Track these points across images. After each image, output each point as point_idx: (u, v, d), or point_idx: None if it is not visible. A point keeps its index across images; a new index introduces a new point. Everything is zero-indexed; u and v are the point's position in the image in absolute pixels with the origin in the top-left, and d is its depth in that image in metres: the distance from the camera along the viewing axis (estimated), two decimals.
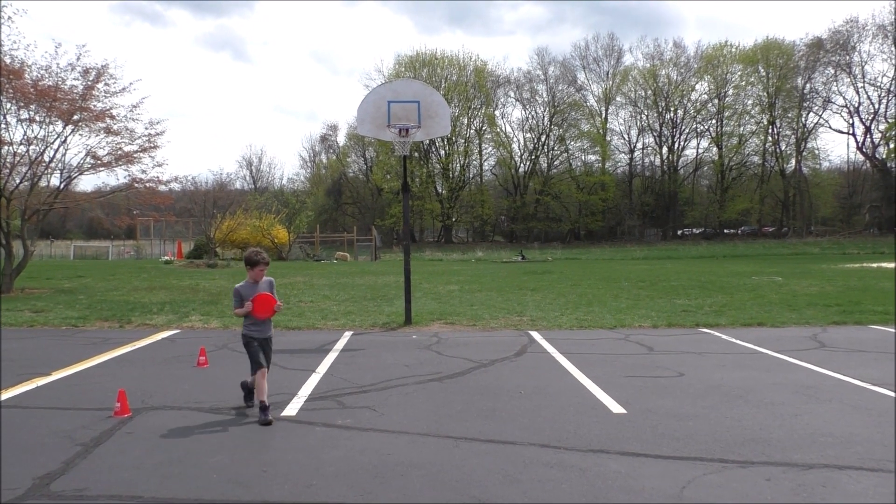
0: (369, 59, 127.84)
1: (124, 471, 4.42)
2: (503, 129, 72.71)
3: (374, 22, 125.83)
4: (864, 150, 63.04)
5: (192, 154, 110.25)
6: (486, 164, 73.90)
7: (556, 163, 72.72)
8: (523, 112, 76.25)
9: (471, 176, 73.49)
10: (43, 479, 4.26)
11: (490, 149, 72.96)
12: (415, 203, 63.53)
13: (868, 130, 61.58)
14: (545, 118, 70.72)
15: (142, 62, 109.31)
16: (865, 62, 59.96)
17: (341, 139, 78.87)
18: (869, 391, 6.68)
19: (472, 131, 71.00)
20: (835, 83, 62.51)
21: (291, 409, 5.98)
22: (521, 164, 72.97)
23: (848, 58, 60.27)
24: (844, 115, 63.47)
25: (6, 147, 16.31)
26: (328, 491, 4.09)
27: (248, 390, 6.04)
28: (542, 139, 71.30)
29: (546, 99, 70.68)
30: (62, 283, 19.12)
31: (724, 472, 4.39)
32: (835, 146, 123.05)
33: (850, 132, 63.96)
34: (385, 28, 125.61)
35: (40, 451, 4.83)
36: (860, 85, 60.94)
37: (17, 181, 16.57)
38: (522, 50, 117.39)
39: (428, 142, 65.18)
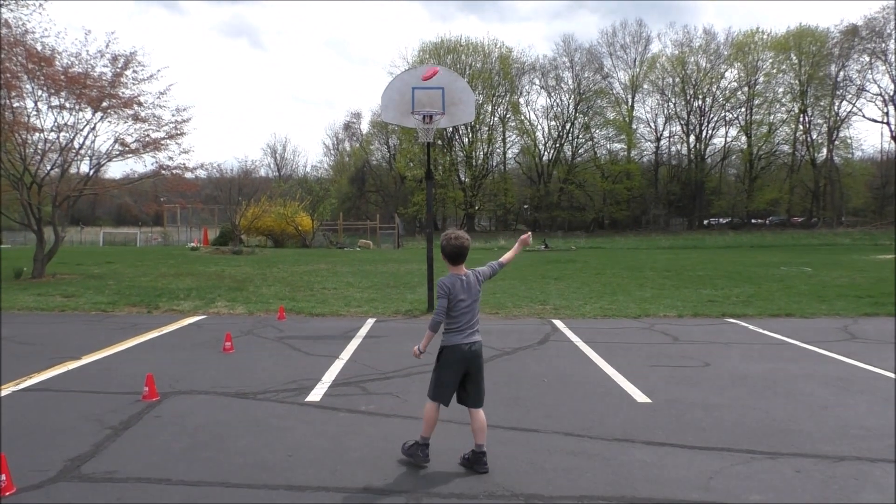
0: (383, 47, 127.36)
1: (153, 454, 4.49)
2: (527, 116, 72.24)
3: (386, 8, 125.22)
4: None
5: (217, 141, 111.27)
6: (509, 152, 73.57)
7: (581, 151, 72.09)
8: (548, 99, 76.01)
9: (494, 164, 73.14)
10: (74, 462, 4.33)
11: (514, 137, 72.55)
12: (438, 191, 63.46)
13: None
14: (570, 106, 70.10)
15: (161, 49, 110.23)
16: None
17: (364, 127, 79.05)
18: (894, 381, 6.54)
19: (495, 119, 70.63)
20: (869, 71, 61.10)
21: (315, 395, 6.02)
22: (546, 153, 72.49)
23: (884, 45, 58.74)
24: (879, 103, 62.01)
25: (37, 134, 16.58)
26: (352, 476, 4.11)
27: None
28: (567, 127, 70.70)
29: (571, 86, 70.06)
30: (92, 268, 19.44)
31: (752, 464, 4.32)
32: (868, 135, 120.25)
33: (885, 121, 62.47)
34: (398, 15, 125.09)
35: (71, 434, 4.92)
36: None
37: (48, 168, 16.85)
38: (538, 37, 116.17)
39: (451, 129, 65.05)
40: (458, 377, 4.27)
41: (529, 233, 4.68)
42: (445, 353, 4.26)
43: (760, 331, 9.71)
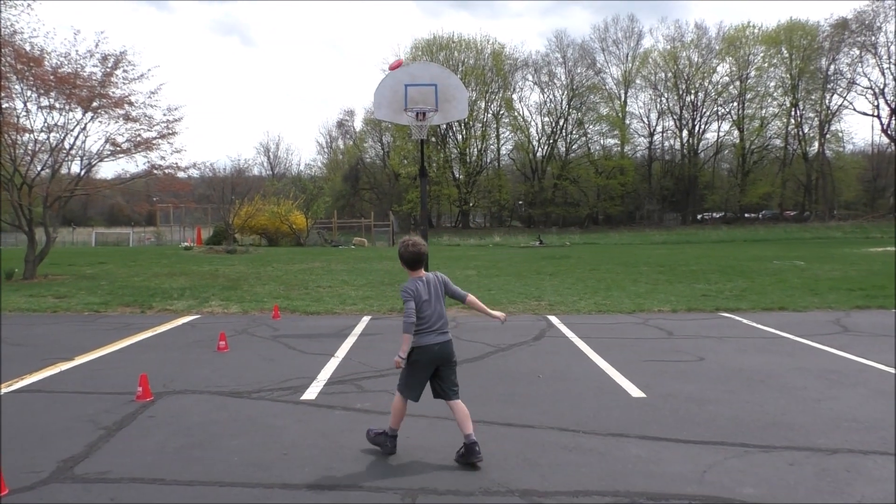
0: (376, 44, 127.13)
1: (147, 454, 4.47)
2: (521, 112, 72.27)
3: (378, 5, 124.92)
4: (889, 132, 61.72)
5: (210, 141, 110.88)
6: (503, 148, 73.62)
7: (575, 147, 72.21)
8: (541, 95, 75.75)
9: (488, 161, 73.20)
10: (67, 463, 4.32)
11: (507, 133, 72.60)
12: (432, 188, 63.47)
13: (893, 112, 60.22)
14: (563, 101, 70.20)
15: (152, 49, 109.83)
16: (892, 43, 58.45)
17: (358, 124, 78.90)
18: (894, 376, 6.57)
19: (489, 115, 70.64)
20: (860, 64, 61.33)
21: (311, 393, 6.01)
22: (539, 149, 72.58)
23: (874, 38, 58.94)
24: (869, 96, 62.26)
25: (27, 135, 16.48)
26: (348, 474, 4.10)
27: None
28: (561, 123, 70.78)
29: (564, 82, 70.14)
30: (84, 269, 19.36)
31: (745, 457, 4.34)
32: (859, 128, 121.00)
33: (875, 114, 62.74)
34: (390, 11, 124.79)
35: (64, 434, 4.90)
36: (886, 66, 59.60)
37: (39, 168, 16.76)
38: (530, 33, 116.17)
39: (445, 126, 64.99)
40: (428, 375, 4.41)
41: (505, 317, 4.75)
42: (416, 352, 4.35)
43: (754, 325, 9.75)
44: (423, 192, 12.38)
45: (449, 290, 4.49)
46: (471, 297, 4.56)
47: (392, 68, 11.38)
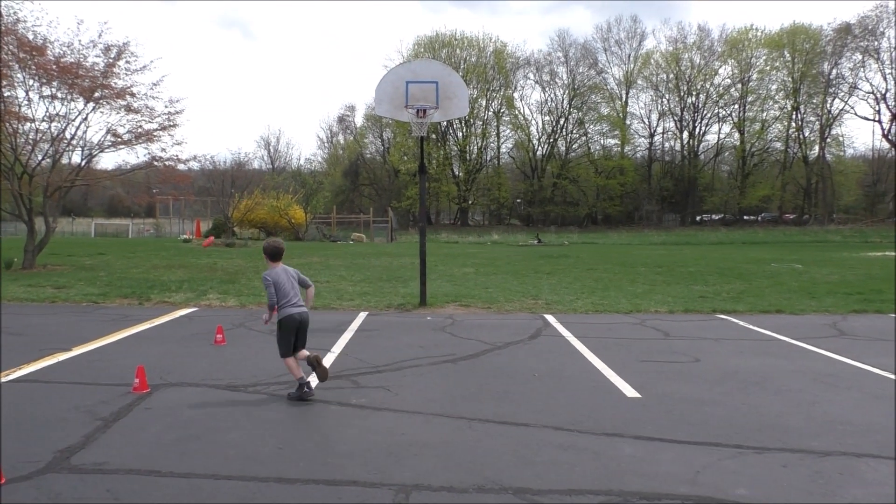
0: (378, 38, 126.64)
1: (143, 446, 4.49)
2: (521, 111, 72.45)
3: (379, 1, 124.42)
4: (889, 137, 61.80)
5: (210, 133, 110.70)
6: (503, 146, 73.70)
7: (575, 146, 72.27)
8: (542, 94, 75.82)
9: (488, 158, 73.23)
10: (63, 453, 4.33)
11: (508, 131, 72.68)
12: (431, 185, 63.45)
13: (894, 117, 60.32)
14: (564, 101, 70.25)
15: (154, 40, 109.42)
16: (894, 48, 58.55)
17: (359, 120, 78.87)
18: (889, 380, 6.59)
19: (490, 113, 70.69)
20: (862, 69, 61.44)
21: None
22: (539, 148, 72.61)
23: (877, 43, 59.08)
24: (871, 101, 62.39)
25: (29, 124, 16.48)
26: (343, 469, 4.12)
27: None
28: (561, 122, 70.82)
29: (566, 81, 70.13)
30: (83, 260, 19.36)
31: (739, 458, 4.36)
32: (860, 133, 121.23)
33: (877, 119, 62.77)
34: (392, 5, 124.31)
35: (61, 425, 4.91)
36: (888, 71, 59.73)
37: (40, 158, 16.77)
38: (531, 32, 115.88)
39: (445, 124, 64.95)
40: (293, 336, 5.81)
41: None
42: (283, 322, 5.76)
43: (750, 327, 9.77)
44: (422, 188, 12.39)
45: (300, 279, 5.95)
46: (312, 289, 6.14)
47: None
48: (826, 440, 4.74)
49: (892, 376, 6.74)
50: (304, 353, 5.85)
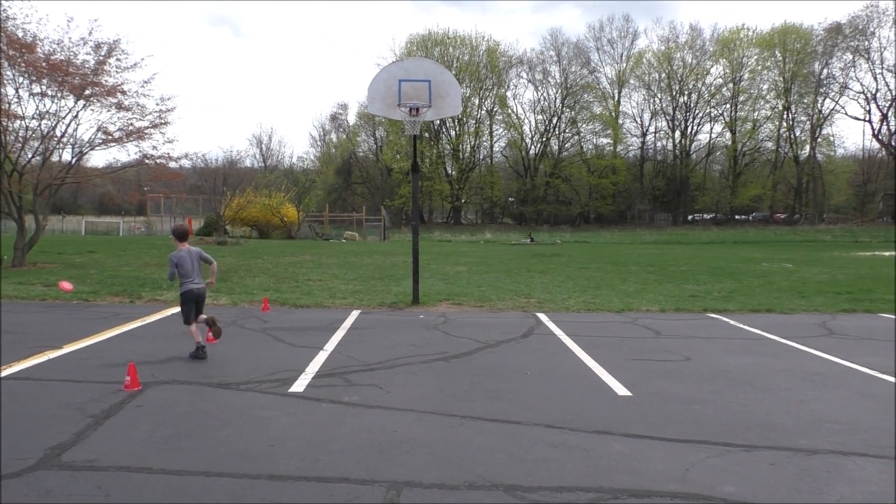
0: (370, 36, 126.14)
1: (134, 443, 4.49)
2: (514, 110, 72.36)
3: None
4: (880, 137, 62.21)
5: (202, 131, 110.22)
6: (496, 145, 73.73)
7: (567, 145, 72.35)
8: (535, 93, 76.00)
9: (481, 157, 73.21)
10: (54, 450, 4.32)
11: (501, 130, 72.67)
12: (424, 184, 63.43)
13: (885, 117, 60.68)
14: (557, 100, 70.28)
15: (145, 38, 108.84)
16: (885, 48, 58.92)
17: (351, 118, 78.71)
18: (877, 379, 6.66)
19: (482, 112, 70.65)
20: (852, 69, 61.73)
21: (299, 386, 6.03)
22: (532, 146, 72.63)
23: (867, 43, 59.38)
24: (861, 101, 62.68)
25: (18, 121, 16.37)
26: (334, 466, 4.13)
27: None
28: (554, 121, 70.88)
29: (558, 80, 70.22)
30: (74, 257, 19.26)
31: (728, 456, 4.40)
32: (850, 133, 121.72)
33: (867, 119, 63.17)
34: (383, 6, 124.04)
35: (52, 422, 4.90)
36: (878, 71, 60.06)
37: (30, 155, 16.66)
38: (521, 30, 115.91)
39: (438, 122, 64.92)
40: (193, 307, 7.08)
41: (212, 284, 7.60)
42: (184, 294, 7.06)
43: (741, 326, 9.84)
44: (414, 187, 12.40)
45: (203, 256, 7.14)
46: (215, 264, 7.35)
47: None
48: (814, 438, 4.79)
49: (881, 375, 6.81)
50: (203, 316, 7.19)
